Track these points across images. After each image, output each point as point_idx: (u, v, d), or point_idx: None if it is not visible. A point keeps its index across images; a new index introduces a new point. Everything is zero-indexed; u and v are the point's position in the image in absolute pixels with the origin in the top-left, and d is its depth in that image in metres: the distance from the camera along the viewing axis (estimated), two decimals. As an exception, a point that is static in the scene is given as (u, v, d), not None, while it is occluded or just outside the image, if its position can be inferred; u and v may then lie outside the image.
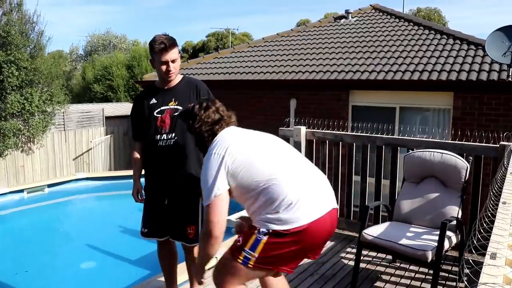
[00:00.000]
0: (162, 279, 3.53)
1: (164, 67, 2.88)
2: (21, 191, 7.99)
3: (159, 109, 2.96)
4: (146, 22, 67.80)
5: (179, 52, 2.99)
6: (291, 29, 13.20)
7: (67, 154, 13.17)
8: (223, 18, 71.04)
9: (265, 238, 2.07)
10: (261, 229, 2.09)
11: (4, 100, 10.89)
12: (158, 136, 2.95)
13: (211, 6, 71.25)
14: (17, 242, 6.38)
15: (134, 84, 20.80)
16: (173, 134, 2.94)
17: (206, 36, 34.15)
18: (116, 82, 21.24)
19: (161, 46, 2.82)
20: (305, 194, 2.11)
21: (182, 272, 3.46)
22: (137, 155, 3.12)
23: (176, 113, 2.93)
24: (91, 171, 13.39)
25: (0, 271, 5.18)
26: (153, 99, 2.99)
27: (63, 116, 12.97)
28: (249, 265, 2.11)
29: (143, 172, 3.16)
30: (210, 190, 2.10)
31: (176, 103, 2.96)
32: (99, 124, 14.08)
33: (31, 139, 12.01)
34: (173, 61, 2.88)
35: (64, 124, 13.08)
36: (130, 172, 8.89)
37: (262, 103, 10.04)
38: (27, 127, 11.56)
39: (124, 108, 16.54)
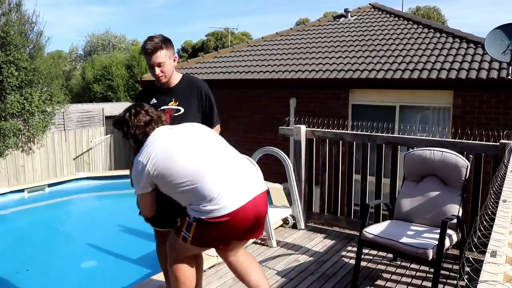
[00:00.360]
0: (163, 278, 3.55)
1: (151, 71, 2.89)
2: (22, 190, 7.98)
3: (159, 109, 2.95)
4: (145, 22, 67.88)
5: (173, 54, 2.95)
6: (291, 28, 13.21)
7: (67, 154, 13.19)
8: (223, 18, 71.12)
9: (194, 223, 2.38)
10: (191, 215, 2.39)
11: (4, 100, 10.90)
12: None
13: (211, 6, 71.25)
14: (18, 242, 6.38)
15: (133, 83, 20.83)
16: None
17: (206, 36, 34.18)
18: (115, 82, 21.27)
19: (143, 51, 2.84)
20: (225, 187, 2.35)
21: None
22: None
23: (176, 113, 2.94)
24: (91, 170, 13.40)
25: (1, 270, 5.18)
26: (153, 99, 2.99)
27: (63, 116, 12.99)
28: (188, 243, 2.45)
29: None
30: (137, 187, 2.50)
31: (177, 103, 2.96)
32: (99, 123, 14.10)
33: (31, 139, 12.02)
34: (159, 65, 2.85)
35: (64, 124, 13.10)
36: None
37: (262, 102, 10.05)
38: (27, 127, 11.57)
39: (124, 107, 16.51)
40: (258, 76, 10.08)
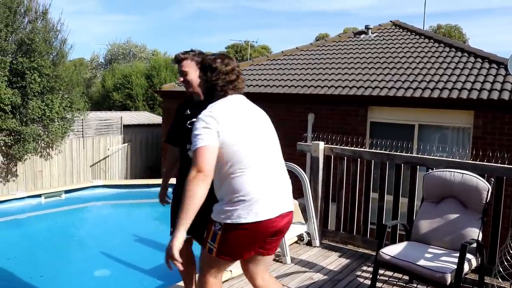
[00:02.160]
0: (182, 284, 3.55)
1: (180, 79, 3.11)
2: (39, 196, 8.07)
3: (190, 121, 3.08)
4: (166, 32, 68.77)
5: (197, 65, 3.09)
6: (311, 44, 13.24)
7: (84, 161, 13.33)
8: (242, 30, 71.66)
9: (219, 233, 2.32)
10: (216, 223, 2.33)
11: (26, 105, 11.09)
12: (189, 145, 3.06)
13: (231, 18, 71.92)
14: (33, 247, 6.43)
15: (152, 93, 21.01)
16: None
17: (225, 48, 34.44)
18: (135, 91, 21.49)
19: (173, 60, 3.12)
20: (264, 194, 2.30)
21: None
22: (169, 160, 3.35)
23: None
24: (108, 178, 13.51)
25: (16, 275, 5.22)
26: (188, 110, 3.16)
27: (82, 123, 13.15)
28: (213, 255, 2.38)
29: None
30: (199, 140, 2.24)
31: None
32: (117, 132, 14.23)
33: (50, 145, 12.18)
34: (182, 73, 3.05)
35: (82, 131, 13.25)
36: (147, 181, 8.98)
37: (280, 117, 10.03)
38: (46, 133, 11.73)
39: (142, 117, 16.70)
40: (277, 90, 10.10)
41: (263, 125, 2.52)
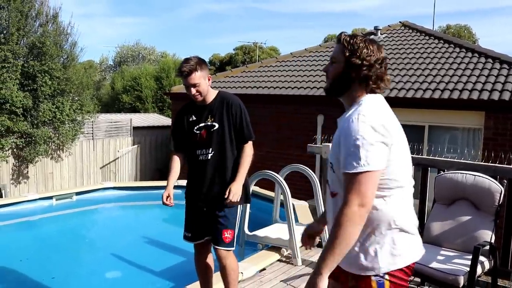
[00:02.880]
0: (192, 287, 3.57)
1: (188, 91, 3.08)
2: (50, 197, 8.13)
3: (198, 126, 3.15)
4: (174, 34, 69.00)
5: (208, 74, 3.13)
6: (320, 45, 13.22)
7: (94, 163, 13.41)
8: (251, 32, 71.69)
9: (387, 282, 1.72)
10: (379, 267, 1.72)
11: (37, 108, 11.18)
12: (198, 151, 3.15)
13: (239, 20, 72.01)
14: (44, 248, 6.48)
15: (162, 95, 21.09)
16: (211, 149, 3.12)
17: (234, 50, 34.43)
18: (144, 93, 21.58)
19: (180, 73, 3.05)
20: (415, 225, 1.84)
21: (218, 281, 3.49)
22: (174, 164, 3.27)
23: (212, 129, 3.11)
24: (117, 180, 13.58)
25: (28, 276, 5.26)
26: (193, 116, 3.18)
27: (92, 125, 13.24)
28: None
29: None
30: (369, 157, 1.63)
31: (212, 119, 3.13)
32: (127, 134, 14.30)
33: (61, 147, 12.28)
34: (194, 86, 3.03)
35: (92, 133, 13.34)
36: (157, 183, 9.01)
37: (289, 118, 10.04)
38: (57, 135, 11.82)
39: (151, 119, 16.78)
40: (286, 92, 10.09)
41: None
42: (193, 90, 3.04)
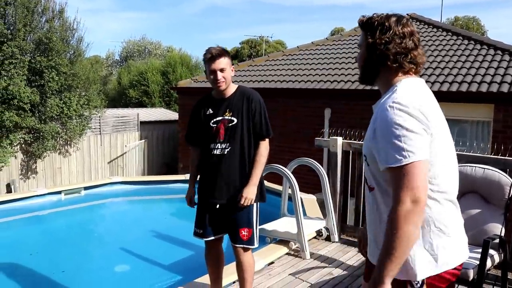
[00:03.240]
0: (200, 281, 3.58)
1: (212, 76, 3.00)
2: (59, 192, 8.19)
3: (215, 119, 3.08)
4: (180, 28, 68.97)
5: (232, 64, 3.08)
6: (326, 38, 13.16)
7: (102, 157, 13.47)
8: (257, 26, 71.48)
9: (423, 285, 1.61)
10: (416, 271, 1.60)
11: (45, 104, 11.24)
12: (213, 144, 3.09)
13: (245, 14, 71.79)
14: (54, 242, 6.53)
15: (168, 90, 21.11)
16: (227, 144, 3.06)
17: (240, 44, 34.39)
18: (151, 88, 21.60)
19: (207, 56, 2.96)
20: (460, 228, 1.76)
21: (227, 275, 3.50)
22: (194, 164, 3.30)
23: (230, 124, 3.05)
24: (125, 174, 13.63)
25: (38, 270, 5.31)
26: (210, 109, 3.12)
27: (99, 120, 13.29)
28: None
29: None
30: (411, 146, 1.48)
31: (231, 114, 3.07)
32: (134, 128, 14.34)
33: (68, 142, 12.34)
34: (221, 70, 2.97)
35: (100, 128, 13.39)
36: (164, 178, 9.03)
37: (296, 112, 10.01)
38: (65, 130, 11.89)
39: (158, 113, 16.80)
40: (293, 86, 10.06)
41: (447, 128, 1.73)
42: (219, 75, 2.96)
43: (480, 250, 3.07)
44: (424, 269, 1.60)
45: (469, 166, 3.69)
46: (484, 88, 7.72)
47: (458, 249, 1.67)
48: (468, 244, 3.39)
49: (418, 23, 12.37)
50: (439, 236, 1.61)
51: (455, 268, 1.65)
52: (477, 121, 8.08)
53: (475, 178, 3.61)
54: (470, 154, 4.12)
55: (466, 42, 10.14)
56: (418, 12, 13.22)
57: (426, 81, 8.35)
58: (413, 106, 1.52)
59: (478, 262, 3.04)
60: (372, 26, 1.66)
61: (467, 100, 7.92)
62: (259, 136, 3.07)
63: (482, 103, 7.86)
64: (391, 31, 1.62)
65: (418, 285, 1.59)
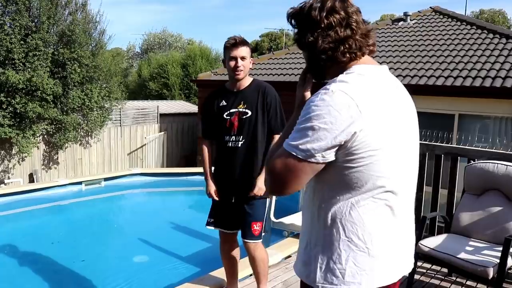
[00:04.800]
0: (216, 274, 3.60)
1: (232, 63, 2.97)
2: (80, 183, 8.34)
3: (228, 111, 3.07)
4: (201, 21, 69.03)
5: (251, 55, 3.07)
6: (347, 31, 13.01)
7: (122, 149, 13.62)
8: (277, 18, 71.11)
9: None
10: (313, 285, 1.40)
11: (67, 95, 11.40)
12: (227, 137, 3.08)
13: (265, 6, 71.52)
14: (75, 232, 6.66)
15: (188, 82, 21.20)
16: (241, 136, 3.04)
17: (260, 37, 34.32)
18: (171, 80, 21.73)
19: (231, 41, 2.95)
20: (390, 244, 1.39)
21: (243, 268, 3.51)
22: (206, 153, 3.25)
23: (244, 116, 3.03)
24: (144, 166, 13.77)
25: (59, 259, 5.43)
26: (223, 101, 3.10)
27: (120, 112, 13.42)
28: None
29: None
30: (297, 141, 1.28)
31: (245, 106, 3.05)
32: (154, 121, 14.45)
33: (89, 133, 12.51)
34: (242, 58, 2.96)
35: (120, 120, 13.52)
36: (183, 170, 9.09)
37: (315, 106, 9.94)
38: (86, 122, 12.05)
39: (178, 106, 16.90)
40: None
41: (411, 124, 1.45)
42: (240, 62, 2.95)
43: (500, 249, 3.03)
44: (324, 278, 1.37)
45: (491, 162, 3.63)
46: (508, 83, 7.56)
47: (380, 272, 1.37)
48: (489, 242, 3.37)
49: (441, 16, 12.16)
50: (351, 250, 1.34)
51: None
52: (501, 117, 7.92)
53: (497, 175, 3.55)
54: (493, 150, 4.05)
55: (491, 35, 9.92)
56: (442, 5, 12.98)
57: (449, 76, 8.24)
58: (351, 94, 1.30)
59: (498, 261, 3.00)
60: (303, 22, 1.42)
61: (491, 95, 7.76)
62: (274, 130, 3.06)
63: (506, 99, 7.69)
64: (323, 25, 1.36)
65: None
